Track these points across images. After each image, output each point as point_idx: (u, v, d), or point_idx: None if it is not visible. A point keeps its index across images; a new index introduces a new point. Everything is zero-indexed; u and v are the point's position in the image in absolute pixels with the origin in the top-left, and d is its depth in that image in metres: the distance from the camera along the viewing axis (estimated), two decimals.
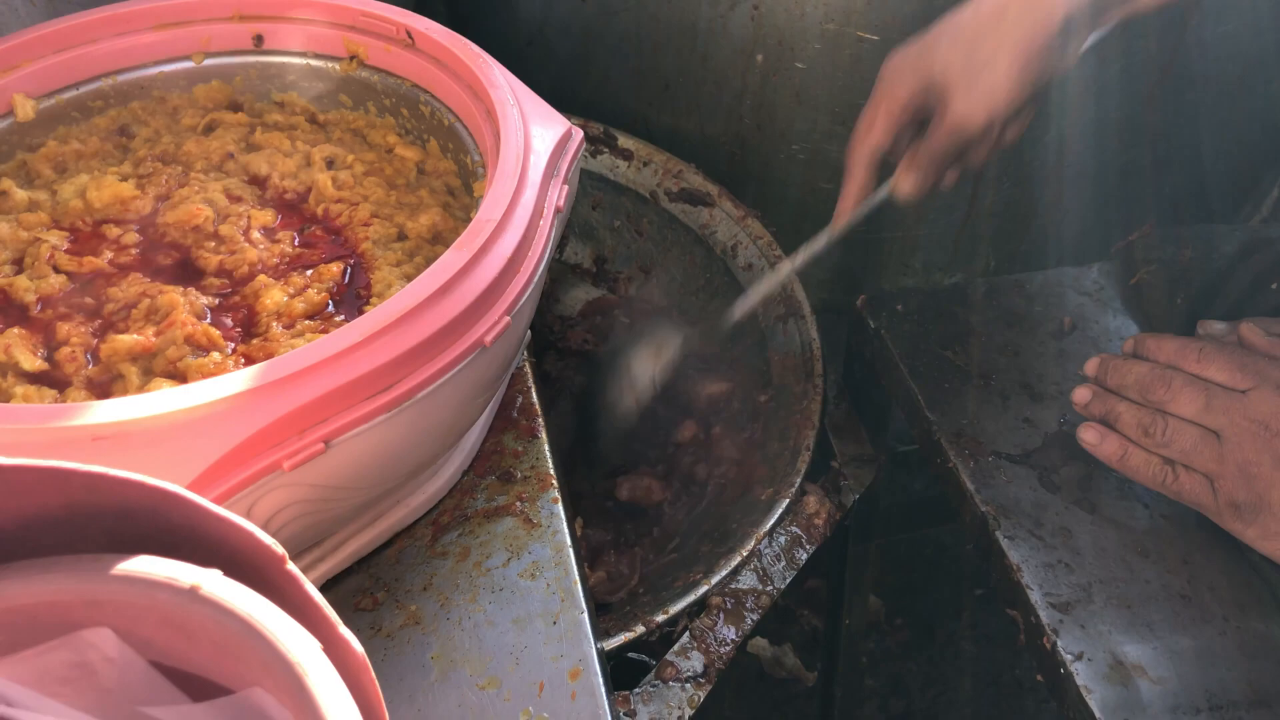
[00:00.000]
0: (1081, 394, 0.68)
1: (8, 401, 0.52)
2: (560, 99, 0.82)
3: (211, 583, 0.31)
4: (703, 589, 0.67)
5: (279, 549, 0.32)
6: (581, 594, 0.57)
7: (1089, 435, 0.66)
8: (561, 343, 0.92)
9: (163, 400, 0.43)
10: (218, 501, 0.40)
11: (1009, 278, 0.80)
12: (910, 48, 0.69)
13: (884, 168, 0.72)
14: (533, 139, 0.58)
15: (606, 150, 0.96)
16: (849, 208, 0.72)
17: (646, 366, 0.79)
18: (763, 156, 0.94)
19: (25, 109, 0.63)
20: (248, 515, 0.46)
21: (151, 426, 0.43)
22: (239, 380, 0.44)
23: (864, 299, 0.77)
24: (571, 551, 0.59)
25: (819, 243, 0.74)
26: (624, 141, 0.96)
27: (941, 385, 0.72)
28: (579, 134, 0.62)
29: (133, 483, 0.32)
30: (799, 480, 0.72)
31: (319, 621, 0.32)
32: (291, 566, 0.32)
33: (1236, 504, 0.62)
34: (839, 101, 0.89)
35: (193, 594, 0.30)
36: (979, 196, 0.93)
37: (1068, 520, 0.67)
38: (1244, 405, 0.62)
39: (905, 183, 0.71)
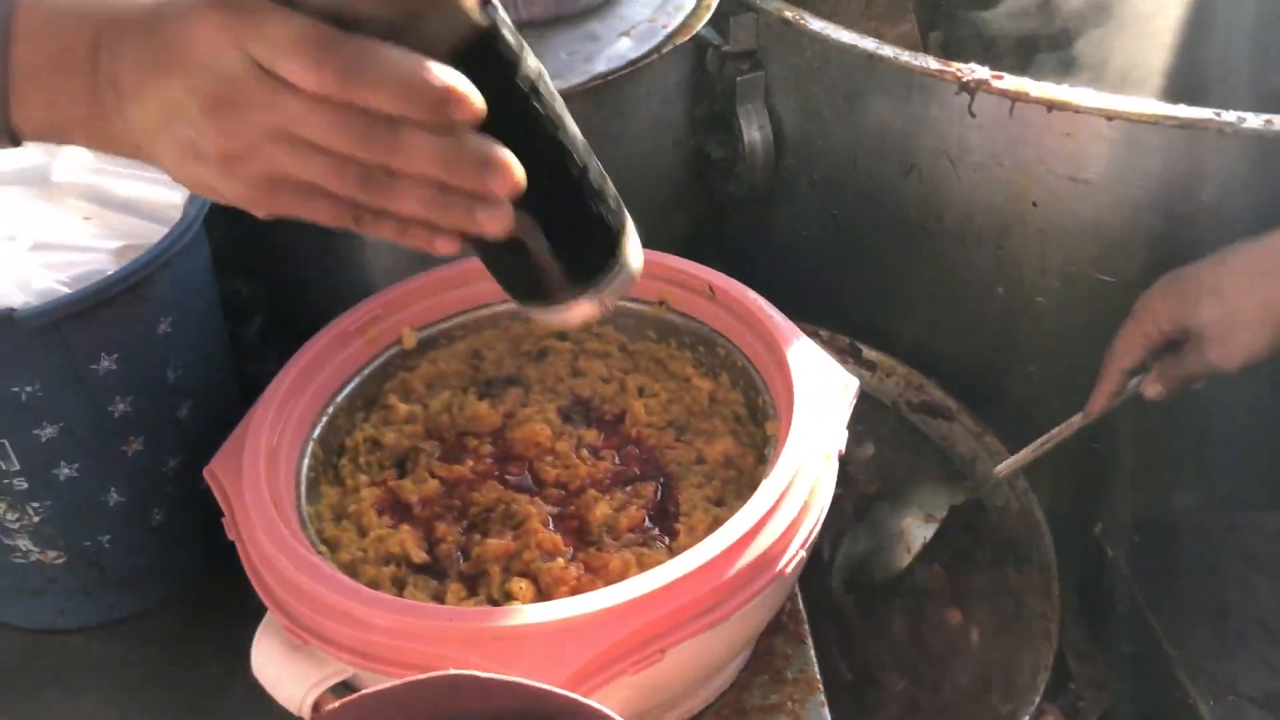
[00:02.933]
0: None
1: (401, 587, 0.66)
2: (808, 311, 0.94)
3: None
4: None
5: None
6: None
7: None
8: None
9: (548, 611, 0.56)
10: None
11: (1248, 515, 0.84)
12: (1170, 289, 0.80)
13: None
14: (820, 391, 0.70)
15: (852, 361, 1.07)
16: (1099, 407, 0.84)
17: (916, 526, 0.88)
18: (999, 375, 1.02)
19: (410, 339, 0.79)
20: None
21: (540, 633, 0.55)
22: (602, 598, 0.56)
23: (1101, 527, 0.84)
24: None
25: (1072, 426, 0.86)
26: (868, 354, 1.07)
27: (1179, 620, 0.77)
28: (855, 383, 0.73)
29: (571, 699, 0.44)
30: (1038, 699, 0.77)
31: None
32: None
33: None
34: (1076, 333, 0.96)
35: None
36: (1217, 423, 0.97)
37: None
38: None
39: (1155, 390, 0.82)
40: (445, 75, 0.43)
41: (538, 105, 0.47)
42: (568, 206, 0.50)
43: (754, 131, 1.14)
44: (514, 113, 0.45)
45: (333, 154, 0.45)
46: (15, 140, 0.51)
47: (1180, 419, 0.97)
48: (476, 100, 0.43)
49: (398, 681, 0.45)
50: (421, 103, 0.43)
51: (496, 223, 0.46)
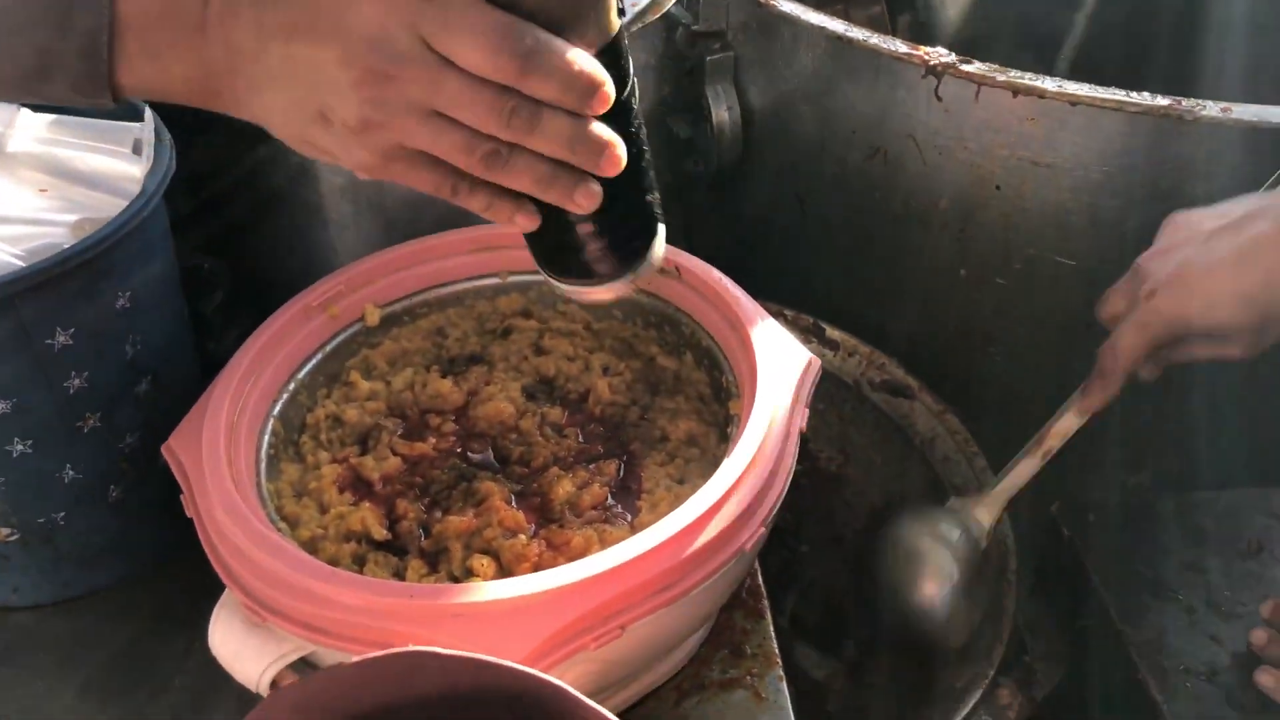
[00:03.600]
0: (1259, 636, 0.73)
1: (362, 564, 0.66)
2: (773, 291, 0.95)
3: None
4: None
5: None
6: None
7: (1265, 679, 0.71)
8: None
9: (508, 588, 0.56)
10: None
11: (1198, 495, 0.86)
12: (1175, 295, 0.73)
13: None
14: (782, 370, 0.70)
15: (815, 340, 1.07)
16: (1099, 406, 0.80)
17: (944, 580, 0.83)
18: (961, 357, 1.03)
19: (373, 316, 0.79)
20: None
21: (499, 609, 0.55)
22: (562, 575, 0.56)
23: (1057, 507, 0.85)
24: None
25: (1068, 427, 0.82)
26: (831, 333, 1.07)
27: (1131, 597, 0.79)
28: (817, 363, 0.73)
29: (529, 675, 0.44)
30: (992, 672, 0.79)
31: None
32: None
33: None
34: (1037, 315, 0.98)
35: None
36: (1171, 404, 0.99)
37: None
38: None
39: (1151, 372, 0.79)
40: (599, 70, 0.48)
41: (634, 104, 0.52)
42: (634, 197, 0.55)
43: (722, 111, 1.14)
44: (619, 109, 0.50)
45: (467, 130, 0.48)
46: (115, 97, 0.52)
47: (1132, 404, 0.98)
48: (612, 94, 0.48)
49: (356, 659, 0.45)
50: (578, 93, 0.47)
51: (591, 200, 0.51)
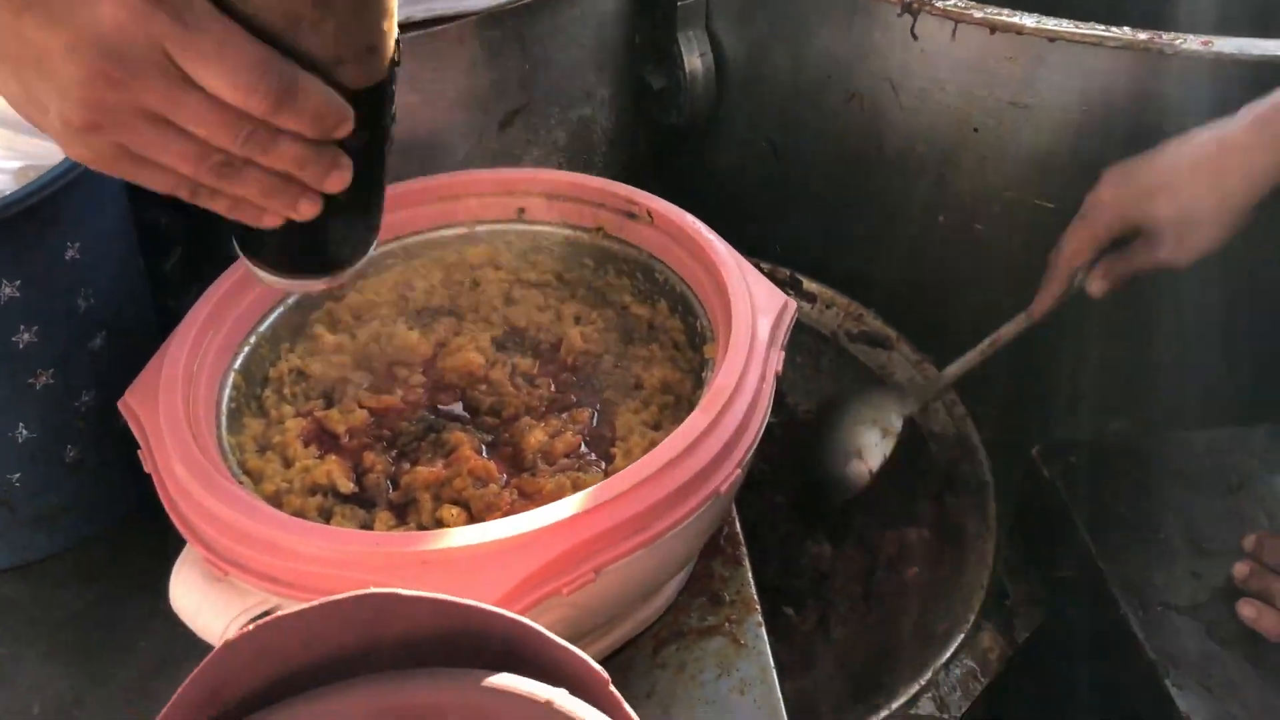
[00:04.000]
0: (1241, 569, 0.73)
1: (329, 516, 0.64)
2: (749, 244, 0.93)
3: (561, 699, 0.40)
4: (883, 713, 0.74)
5: (604, 673, 0.42)
6: (784, 711, 0.65)
7: (1248, 610, 0.71)
8: None
9: (477, 533, 0.54)
10: None
11: (1178, 435, 0.85)
12: (1121, 186, 0.79)
13: None
14: (757, 313, 0.69)
15: (792, 293, 1.06)
16: (1046, 307, 0.85)
17: (874, 444, 0.90)
18: (939, 303, 1.02)
19: None
20: None
21: (468, 555, 0.54)
22: (533, 519, 0.55)
23: (1039, 449, 0.84)
24: (774, 672, 0.67)
25: (1019, 325, 0.87)
26: (808, 285, 1.06)
27: (1112, 536, 0.78)
28: (793, 305, 0.72)
29: (496, 614, 0.42)
30: (974, 616, 0.78)
31: None
32: (613, 689, 0.42)
33: None
34: (1015, 260, 0.96)
35: (548, 707, 0.40)
36: (1149, 347, 0.98)
37: (1235, 674, 0.71)
38: None
39: (1099, 287, 0.82)
40: (347, 110, 0.48)
41: (384, 131, 0.53)
42: (363, 212, 0.56)
43: (695, 59, 1.11)
44: (366, 138, 0.51)
45: (198, 141, 0.46)
46: None
47: (1112, 345, 0.98)
48: (350, 126, 0.49)
49: (314, 602, 0.43)
50: (322, 130, 0.48)
51: (313, 209, 0.51)
